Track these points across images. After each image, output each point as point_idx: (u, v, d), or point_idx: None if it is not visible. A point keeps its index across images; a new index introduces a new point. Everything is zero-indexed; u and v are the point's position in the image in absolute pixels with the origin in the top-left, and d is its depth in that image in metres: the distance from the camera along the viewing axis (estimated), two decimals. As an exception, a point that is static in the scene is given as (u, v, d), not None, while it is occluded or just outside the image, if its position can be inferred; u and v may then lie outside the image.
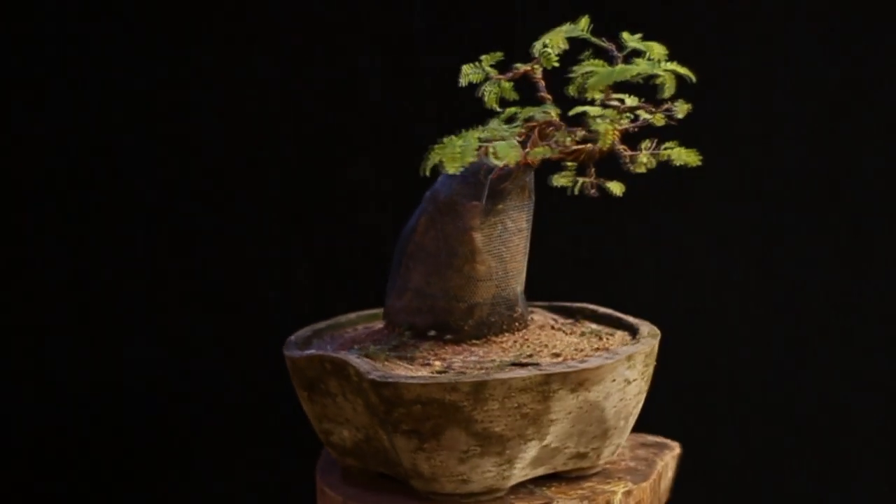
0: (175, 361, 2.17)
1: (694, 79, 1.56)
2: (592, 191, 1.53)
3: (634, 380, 1.55)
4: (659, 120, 1.55)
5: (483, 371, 1.50)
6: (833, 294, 2.16)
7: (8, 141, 2.11)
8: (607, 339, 1.63)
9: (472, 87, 1.58)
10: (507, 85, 1.59)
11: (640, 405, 1.60)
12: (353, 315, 1.76)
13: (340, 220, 2.16)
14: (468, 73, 1.59)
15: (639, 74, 1.53)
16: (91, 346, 2.15)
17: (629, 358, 1.53)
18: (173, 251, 2.16)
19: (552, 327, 1.66)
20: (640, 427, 1.67)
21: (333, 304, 1.96)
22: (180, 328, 2.17)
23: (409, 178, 1.62)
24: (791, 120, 2.13)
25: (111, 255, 2.15)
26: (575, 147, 1.53)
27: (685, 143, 2.04)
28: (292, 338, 1.66)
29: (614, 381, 1.52)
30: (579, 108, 1.52)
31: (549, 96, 1.58)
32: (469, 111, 1.59)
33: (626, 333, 1.65)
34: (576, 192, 1.52)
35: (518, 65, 1.59)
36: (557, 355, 1.55)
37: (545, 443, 1.51)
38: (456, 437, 1.48)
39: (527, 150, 1.53)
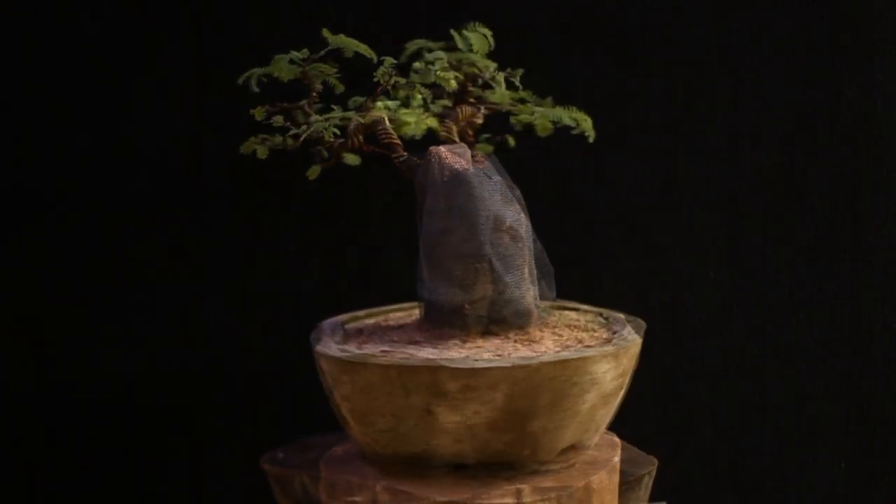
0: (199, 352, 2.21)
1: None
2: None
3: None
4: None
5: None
6: (796, 290, 2.21)
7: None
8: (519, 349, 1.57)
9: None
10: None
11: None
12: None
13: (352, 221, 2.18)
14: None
15: None
16: (118, 335, 2.20)
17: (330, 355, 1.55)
18: (194, 248, 2.19)
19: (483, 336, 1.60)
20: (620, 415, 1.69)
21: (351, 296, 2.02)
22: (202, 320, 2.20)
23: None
24: (757, 134, 2.19)
25: (133, 250, 2.18)
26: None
27: (665, 155, 2.13)
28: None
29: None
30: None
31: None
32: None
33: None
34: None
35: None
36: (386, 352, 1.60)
37: None
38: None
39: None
